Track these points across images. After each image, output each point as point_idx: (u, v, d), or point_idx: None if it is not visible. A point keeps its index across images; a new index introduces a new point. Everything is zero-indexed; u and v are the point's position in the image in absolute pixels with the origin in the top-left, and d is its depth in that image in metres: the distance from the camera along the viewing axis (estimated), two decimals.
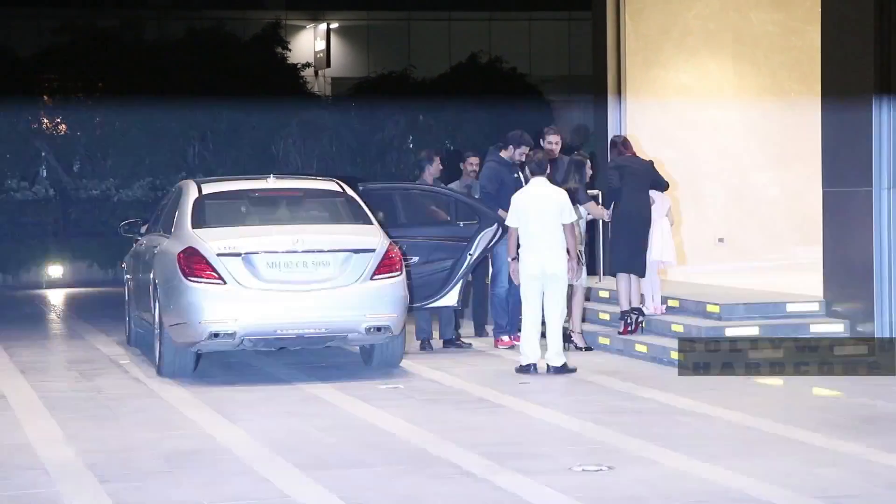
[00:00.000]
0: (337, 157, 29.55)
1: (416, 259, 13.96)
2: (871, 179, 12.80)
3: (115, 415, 10.77)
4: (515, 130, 14.77)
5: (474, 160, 15.23)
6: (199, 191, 13.23)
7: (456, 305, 14.37)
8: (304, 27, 40.31)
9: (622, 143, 14.07)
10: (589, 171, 13.97)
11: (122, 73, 28.58)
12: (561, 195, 12.56)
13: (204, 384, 12.24)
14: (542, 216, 12.41)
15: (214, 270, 12.16)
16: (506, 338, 14.47)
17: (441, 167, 15.10)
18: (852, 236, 13.07)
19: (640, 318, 13.69)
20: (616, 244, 13.83)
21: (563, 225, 12.44)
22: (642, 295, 13.82)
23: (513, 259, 12.69)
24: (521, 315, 12.85)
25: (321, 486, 8.06)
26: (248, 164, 25.46)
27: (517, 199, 12.63)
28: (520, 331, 12.78)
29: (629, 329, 13.64)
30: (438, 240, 14.34)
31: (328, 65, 39.47)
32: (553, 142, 14.61)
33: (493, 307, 14.74)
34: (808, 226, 16.95)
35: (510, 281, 13.65)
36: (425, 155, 15.31)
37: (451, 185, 15.33)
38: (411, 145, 31.01)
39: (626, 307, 13.69)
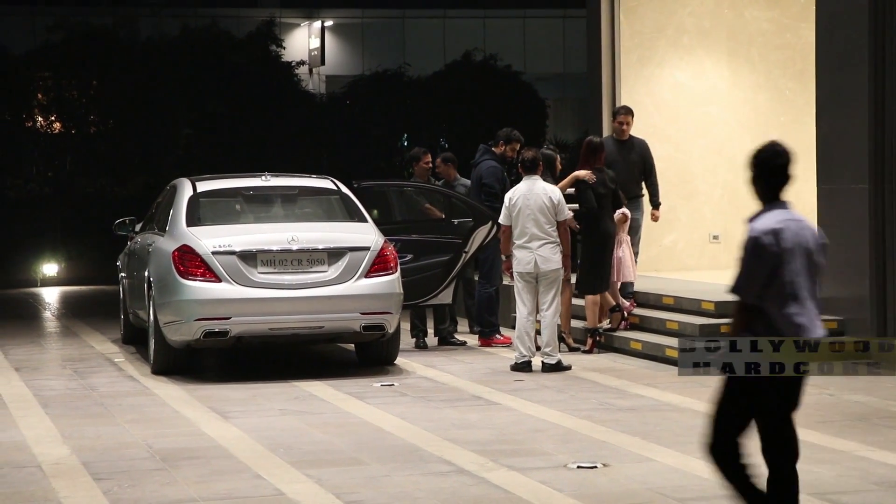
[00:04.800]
0: (331, 155, 29.51)
1: (410, 257, 13.94)
2: (865, 176, 12.81)
3: (109, 412, 10.76)
4: (504, 128, 14.85)
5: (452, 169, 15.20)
6: (194, 188, 13.22)
7: (450, 303, 14.36)
8: (298, 25, 40.23)
9: (598, 153, 13.56)
10: (559, 166, 13.94)
11: (117, 70, 28.53)
12: (554, 192, 12.56)
13: (198, 382, 12.24)
14: (535, 213, 12.41)
15: (209, 268, 12.15)
16: (499, 336, 14.47)
17: (429, 165, 15.04)
18: (847, 233, 13.07)
19: (600, 337, 13.66)
20: (588, 267, 13.50)
21: (557, 222, 12.46)
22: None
23: (507, 257, 12.69)
24: (513, 313, 12.84)
25: (315, 484, 8.07)
26: (243, 161, 25.40)
27: (510, 196, 12.63)
28: (513, 328, 12.79)
29: (595, 346, 13.57)
30: (433, 238, 14.32)
31: (322, 62, 39.37)
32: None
33: (484, 304, 14.69)
34: None
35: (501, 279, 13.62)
36: (415, 152, 15.30)
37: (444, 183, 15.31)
38: (406, 143, 30.98)
39: (592, 325, 13.64)
